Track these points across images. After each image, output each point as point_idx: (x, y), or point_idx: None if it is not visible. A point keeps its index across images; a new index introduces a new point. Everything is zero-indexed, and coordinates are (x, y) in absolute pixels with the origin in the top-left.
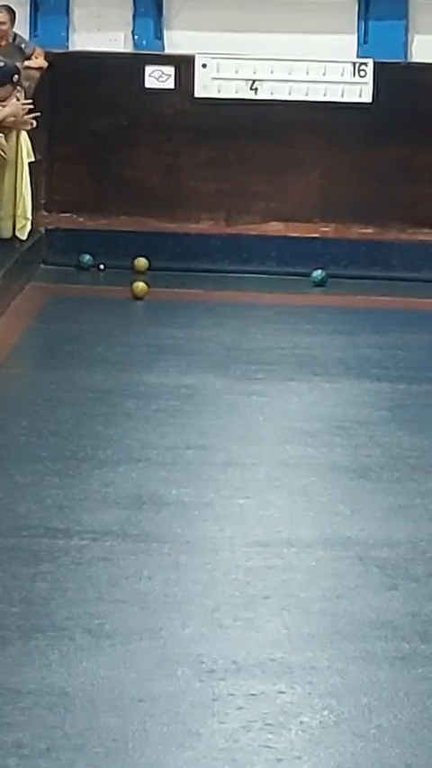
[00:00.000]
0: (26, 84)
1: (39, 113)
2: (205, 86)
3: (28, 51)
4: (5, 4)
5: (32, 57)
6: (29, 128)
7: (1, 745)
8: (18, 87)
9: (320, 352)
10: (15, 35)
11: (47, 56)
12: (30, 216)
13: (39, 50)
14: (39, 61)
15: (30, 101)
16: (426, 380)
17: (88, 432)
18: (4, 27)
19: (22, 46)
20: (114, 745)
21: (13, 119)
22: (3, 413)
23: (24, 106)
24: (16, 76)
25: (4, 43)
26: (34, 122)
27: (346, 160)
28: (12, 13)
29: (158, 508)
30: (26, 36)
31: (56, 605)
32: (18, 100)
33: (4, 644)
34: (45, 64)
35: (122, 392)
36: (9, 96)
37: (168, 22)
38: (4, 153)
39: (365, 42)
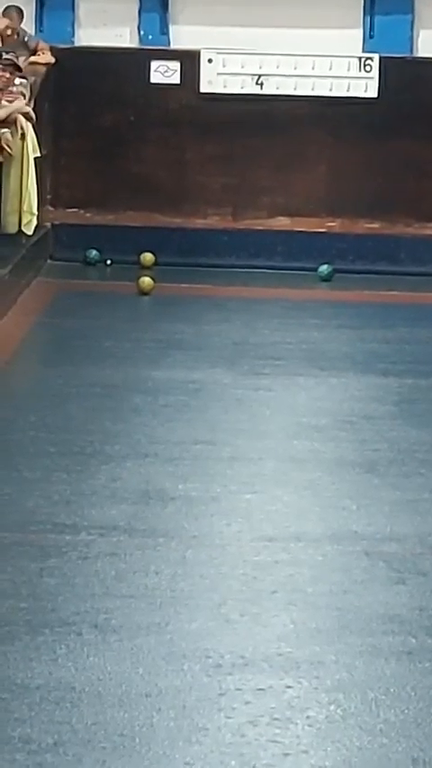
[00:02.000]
0: (32, 79)
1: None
2: (211, 81)
3: (32, 45)
4: (14, 4)
5: (38, 51)
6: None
7: (8, 740)
8: (24, 80)
9: (327, 347)
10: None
11: (52, 51)
12: (35, 211)
13: (43, 44)
14: (46, 57)
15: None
16: (431, 375)
17: (96, 427)
18: (8, 31)
19: (26, 39)
20: (121, 739)
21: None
22: (11, 408)
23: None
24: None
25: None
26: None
27: (353, 155)
28: (21, 13)
29: (165, 503)
30: (32, 32)
31: (63, 600)
32: (24, 96)
33: (11, 639)
34: (52, 59)
35: (130, 387)
36: (8, 83)
37: (174, 17)
38: (10, 148)
39: (371, 37)
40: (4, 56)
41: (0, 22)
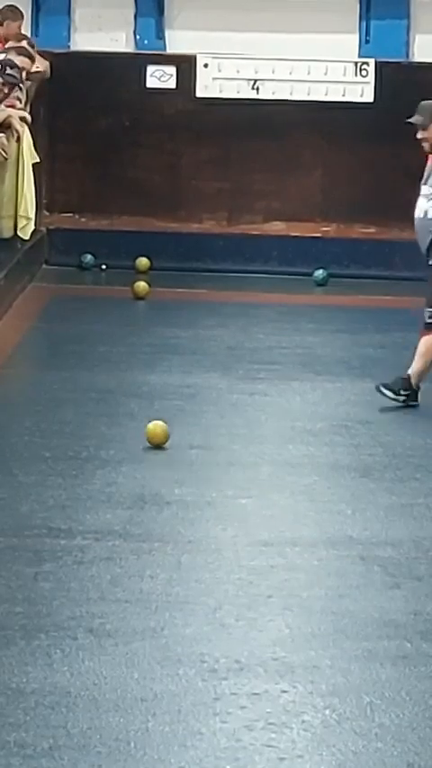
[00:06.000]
0: (28, 83)
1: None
2: (207, 86)
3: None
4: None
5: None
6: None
7: (4, 745)
8: (20, 87)
9: (323, 352)
10: None
11: (48, 56)
12: (31, 216)
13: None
14: (43, 63)
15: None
16: (428, 379)
17: (91, 432)
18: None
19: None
20: (117, 744)
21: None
22: (6, 413)
23: (22, 111)
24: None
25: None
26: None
27: (348, 159)
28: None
29: (161, 508)
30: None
31: (58, 605)
32: (20, 100)
33: (7, 644)
34: (47, 64)
35: (125, 392)
36: (5, 97)
37: (170, 21)
38: (5, 153)
39: (367, 42)
40: (8, 71)
41: (14, 23)
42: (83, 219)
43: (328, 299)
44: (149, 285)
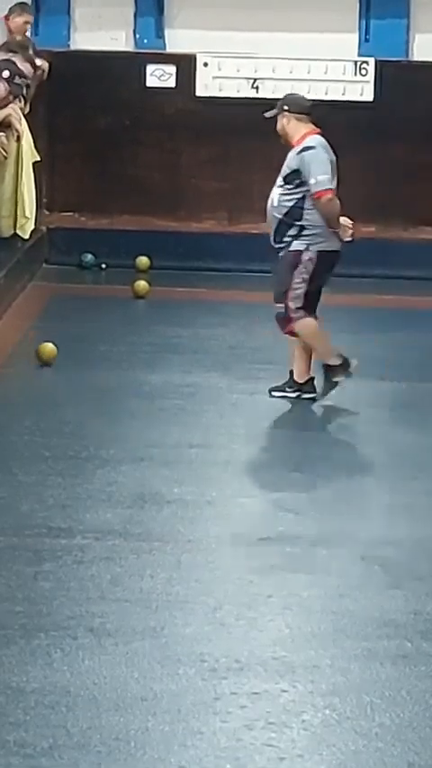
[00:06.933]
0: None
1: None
2: (207, 85)
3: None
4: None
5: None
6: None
7: (4, 744)
8: (23, 96)
9: None
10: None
11: (48, 55)
12: (29, 215)
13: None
14: (44, 64)
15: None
16: (428, 379)
17: (91, 431)
18: (27, 27)
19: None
20: (117, 743)
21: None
22: (6, 412)
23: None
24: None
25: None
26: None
27: (348, 159)
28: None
29: (161, 507)
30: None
31: (58, 604)
32: (20, 100)
33: (7, 643)
34: (47, 65)
35: (125, 391)
36: (6, 103)
37: (169, 20)
38: (5, 152)
39: (367, 41)
40: (17, 80)
41: (20, 17)
42: (83, 218)
43: (327, 299)
44: (150, 284)
